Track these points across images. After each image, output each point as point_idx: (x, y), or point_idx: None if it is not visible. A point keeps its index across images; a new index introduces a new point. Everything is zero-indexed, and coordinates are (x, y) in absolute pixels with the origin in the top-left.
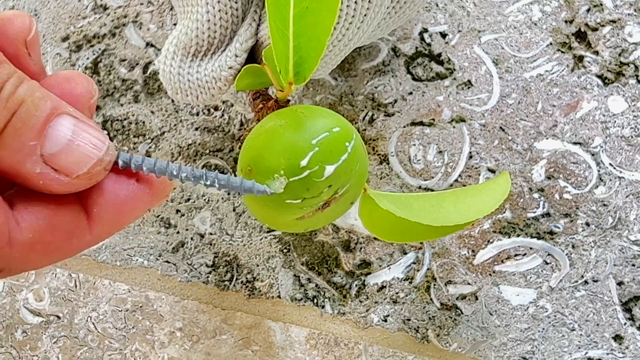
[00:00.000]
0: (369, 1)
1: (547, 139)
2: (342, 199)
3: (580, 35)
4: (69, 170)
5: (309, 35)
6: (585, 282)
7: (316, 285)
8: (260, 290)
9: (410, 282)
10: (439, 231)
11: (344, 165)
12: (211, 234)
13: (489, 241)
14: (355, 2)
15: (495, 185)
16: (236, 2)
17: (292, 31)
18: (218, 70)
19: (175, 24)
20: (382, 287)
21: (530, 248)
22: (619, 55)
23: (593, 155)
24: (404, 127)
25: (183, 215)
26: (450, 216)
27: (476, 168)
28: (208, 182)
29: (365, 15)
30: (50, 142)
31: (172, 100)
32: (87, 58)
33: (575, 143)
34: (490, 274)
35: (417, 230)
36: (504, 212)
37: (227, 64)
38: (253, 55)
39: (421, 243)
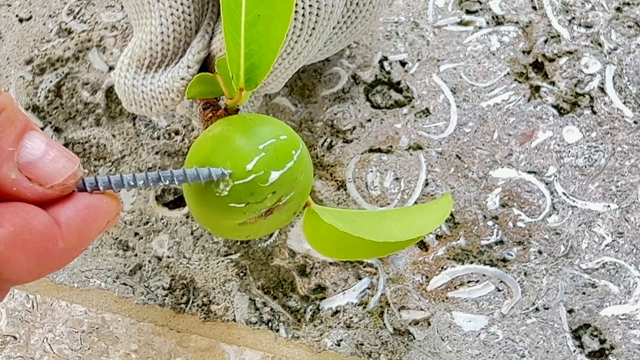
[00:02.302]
0: (317, 15)
1: (502, 167)
2: (285, 207)
3: (538, 66)
4: (44, 180)
5: (260, 43)
6: (537, 309)
7: (271, 309)
8: (215, 314)
9: (364, 307)
10: (381, 248)
11: (289, 172)
12: (169, 257)
13: (442, 267)
14: (303, 15)
15: (437, 205)
16: (189, 15)
17: (244, 38)
18: (171, 81)
19: None
20: (337, 312)
21: (483, 275)
22: (575, 85)
23: (547, 184)
24: (362, 153)
25: (141, 238)
26: (392, 233)
27: (432, 195)
28: (167, 182)
29: (313, 29)
30: (26, 151)
31: (134, 124)
32: (50, 81)
33: (529, 172)
34: (443, 300)
35: (360, 247)
36: (458, 239)
37: (180, 75)
38: (206, 68)
39: (376, 269)
